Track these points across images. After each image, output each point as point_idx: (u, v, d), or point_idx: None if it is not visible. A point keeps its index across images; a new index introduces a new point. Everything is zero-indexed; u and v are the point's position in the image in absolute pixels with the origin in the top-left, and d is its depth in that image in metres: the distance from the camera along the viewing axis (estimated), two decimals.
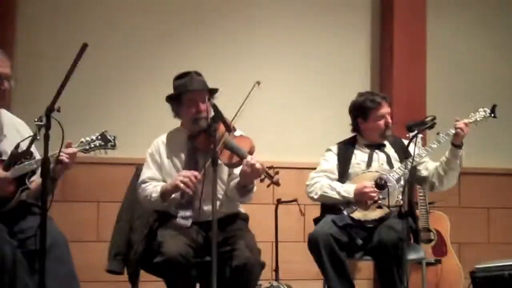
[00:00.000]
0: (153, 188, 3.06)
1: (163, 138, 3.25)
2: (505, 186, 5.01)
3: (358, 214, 3.28)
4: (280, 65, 4.74)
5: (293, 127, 4.71)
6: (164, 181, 3.11)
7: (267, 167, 2.88)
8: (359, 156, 3.50)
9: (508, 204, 4.99)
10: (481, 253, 4.50)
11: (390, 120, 3.47)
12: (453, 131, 3.28)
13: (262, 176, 2.88)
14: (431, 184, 3.44)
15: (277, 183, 2.90)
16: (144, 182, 3.13)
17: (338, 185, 3.38)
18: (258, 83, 2.91)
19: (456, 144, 3.29)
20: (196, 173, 2.93)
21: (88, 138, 2.75)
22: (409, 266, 3.22)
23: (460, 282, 4.11)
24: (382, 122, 3.45)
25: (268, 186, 2.93)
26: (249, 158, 2.88)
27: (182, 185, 2.90)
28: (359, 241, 3.26)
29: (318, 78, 4.80)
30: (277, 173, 2.89)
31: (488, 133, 4.38)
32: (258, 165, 2.84)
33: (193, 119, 3.09)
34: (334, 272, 3.15)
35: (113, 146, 2.78)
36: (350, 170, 3.45)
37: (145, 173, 3.16)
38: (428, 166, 3.43)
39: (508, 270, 3.36)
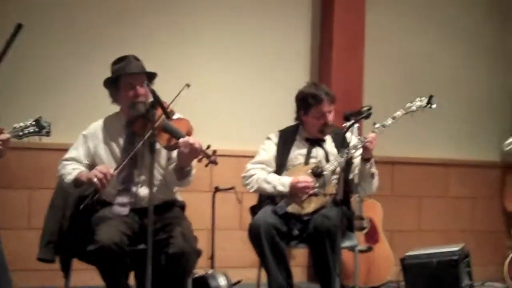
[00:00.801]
0: (71, 170, 3.01)
1: (100, 122, 3.19)
2: (436, 176, 5.17)
3: (294, 208, 3.32)
4: (220, 53, 4.71)
5: (232, 114, 4.69)
6: (90, 166, 3.06)
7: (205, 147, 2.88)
8: (298, 150, 3.49)
9: (438, 193, 5.16)
10: (412, 241, 4.63)
11: (330, 119, 3.43)
12: (390, 122, 3.32)
13: (200, 156, 2.87)
14: (352, 189, 3.50)
15: (214, 162, 2.89)
16: (66, 159, 3.09)
17: (274, 179, 3.38)
18: (188, 85, 2.89)
19: (365, 157, 3.31)
20: (112, 171, 2.90)
21: (22, 124, 2.67)
22: (342, 253, 3.27)
23: (391, 268, 4.21)
24: (320, 120, 3.42)
25: (206, 165, 2.92)
26: (186, 138, 2.87)
27: (96, 180, 2.86)
28: (296, 232, 3.31)
29: (258, 67, 4.78)
30: (214, 152, 2.89)
31: (421, 124, 4.48)
32: (196, 144, 2.84)
33: (131, 104, 3.03)
34: (274, 261, 3.18)
35: (48, 133, 2.70)
36: (288, 162, 3.47)
37: (71, 152, 3.12)
38: (356, 170, 3.44)
39: (437, 258, 3.47)
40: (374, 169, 3.38)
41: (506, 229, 5.19)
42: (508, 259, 4.18)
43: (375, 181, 3.42)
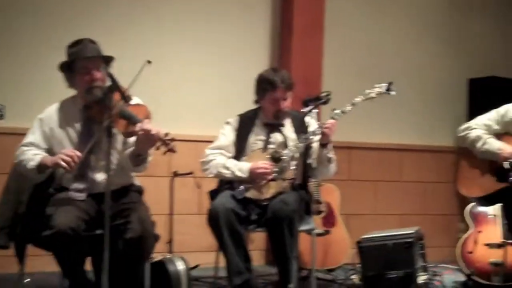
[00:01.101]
0: (32, 156, 2.94)
1: (56, 106, 3.12)
2: (392, 161, 5.26)
3: (253, 193, 3.33)
4: (179, 38, 4.66)
5: (191, 99, 4.66)
6: (48, 151, 3.01)
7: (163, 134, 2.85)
8: (257, 135, 3.50)
9: (394, 177, 5.26)
10: (367, 224, 4.71)
11: (284, 106, 3.43)
12: (349, 108, 3.32)
13: (158, 143, 2.85)
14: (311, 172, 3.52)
15: (172, 150, 2.87)
16: (25, 145, 3.01)
17: (233, 165, 3.39)
18: (149, 62, 2.84)
19: (323, 143, 3.34)
20: (78, 153, 2.84)
21: None
22: (300, 236, 3.31)
23: (347, 251, 4.28)
24: (274, 106, 3.43)
25: (164, 153, 2.89)
26: (143, 124, 2.83)
27: (63, 163, 2.80)
28: (254, 216, 3.33)
29: (217, 52, 4.75)
30: (172, 139, 2.87)
31: (378, 110, 4.56)
32: (153, 131, 2.81)
33: (87, 88, 2.97)
34: (233, 245, 3.20)
35: (1, 116, 2.65)
36: (247, 148, 3.48)
37: (29, 137, 3.05)
38: (314, 155, 3.46)
39: (392, 240, 3.55)
40: (331, 154, 3.42)
41: (458, 212, 5.32)
42: (461, 241, 4.28)
43: (333, 166, 3.46)
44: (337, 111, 3.33)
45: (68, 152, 2.84)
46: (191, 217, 4.48)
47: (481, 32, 5.64)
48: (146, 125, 2.82)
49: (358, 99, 3.37)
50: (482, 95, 5.21)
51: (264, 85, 3.43)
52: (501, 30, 5.72)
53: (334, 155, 3.44)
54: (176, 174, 4.06)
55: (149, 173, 3.16)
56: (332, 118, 3.32)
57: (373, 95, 3.37)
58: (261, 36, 4.90)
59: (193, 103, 4.66)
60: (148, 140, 2.84)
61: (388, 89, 3.38)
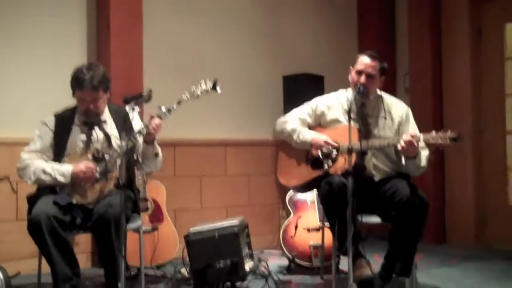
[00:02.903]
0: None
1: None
2: (215, 155, 5.37)
3: (77, 198, 3.22)
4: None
5: (4, 100, 4.35)
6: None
7: None
8: (77, 135, 3.38)
9: (218, 171, 5.39)
10: (194, 218, 4.78)
11: (92, 107, 3.33)
12: (175, 106, 3.29)
13: None
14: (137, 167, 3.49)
15: None
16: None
17: (53, 169, 3.24)
18: None
19: (148, 140, 3.32)
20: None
21: None
22: (128, 235, 3.27)
23: (175, 246, 4.31)
24: (82, 105, 3.35)
25: None
26: None
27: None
28: (79, 220, 3.21)
29: (32, 50, 4.47)
30: None
31: (201, 105, 4.62)
32: None
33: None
34: (58, 253, 3.06)
35: None
36: (67, 149, 3.34)
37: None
38: (139, 150, 3.41)
39: (218, 231, 3.66)
40: (157, 149, 3.42)
41: (280, 201, 5.63)
42: (283, 227, 4.54)
43: (160, 159, 3.46)
44: (164, 110, 3.29)
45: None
46: (8, 224, 4.21)
47: (294, 30, 5.97)
48: None
49: (184, 97, 3.36)
50: (295, 91, 5.50)
51: (73, 82, 3.32)
52: (312, 28, 6.12)
53: (159, 148, 3.43)
54: None
55: None
56: (159, 116, 3.27)
57: (198, 93, 3.38)
58: (77, 34, 4.71)
59: (6, 103, 4.36)
60: None
61: (213, 86, 3.42)
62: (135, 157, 3.36)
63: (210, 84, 3.41)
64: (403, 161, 3.49)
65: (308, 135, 3.72)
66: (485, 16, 5.61)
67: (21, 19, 4.45)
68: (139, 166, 3.45)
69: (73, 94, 3.37)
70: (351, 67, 3.71)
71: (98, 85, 3.30)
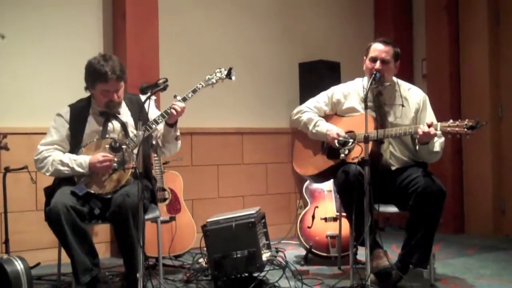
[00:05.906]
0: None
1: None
2: (232, 144, 5.38)
3: (95, 188, 3.23)
4: (8, 26, 4.33)
5: (21, 91, 4.39)
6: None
7: None
8: (93, 125, 3.39)
9: (235, 160, 5.40)
10: (212, 208, 4.81)
11: (115, 98, 3.33)
12: (191, 95, 3.32)
13: None
14: (157, 151, 3.55)
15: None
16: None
17: (70, 160, 3.25)
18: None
19: (169, 122, 3.33)
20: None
21: None
22: (146, 225, 3.29)
23: (193, 236, 4.32)
24: (105, 97, 3.34)
25: None
26: None
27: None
28: (97, 211, 3.23)
29: (48, 40, 4.50)
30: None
31: (216, 95, 4.61)
32: None
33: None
34: (77, 244, 3.07)
35: None
36: (84, 140, 3.35)
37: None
38: (158, 134, 3.47)
39: (235, 221, 3.66)
40: (178, 132, 3.43)
41: (297, 191, 5.62)
42: (300, 217, 4.53)
43: (179, 142, 3.47)
44: (179, 98, 3.32)
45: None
46: (28, 214, 4.26)
47: (309, 17, 5.93)
48: None
49: (199, 86, 3.40)
50: (311, 78, 5.47)
51: (94, 75, 3.30)
52: (327, 15, 6.06)
53: (179, 131, 3.44)
54: (8, 170, 3.80)
55: None
56: (184, 99, 3.31)
57: (213, 81, 3.41)
58: (93, 24, 4.72)
59: (23, 94, 4.39)
60: None
61: (228, 74, 3.44)
62: (154, 142, 3.39)
63: (224, 72, 3.44)
64: (417, 147, 3.48)
65: (324, 126, 3.70)
66: (503, 0, 5.52)
67: (43, 14, 4.49)
68: (159, 150, 3.46)
69: (91, 88, 3.38)
70: (364, 57, 3.68)
71: (121, 74, 3.32)
